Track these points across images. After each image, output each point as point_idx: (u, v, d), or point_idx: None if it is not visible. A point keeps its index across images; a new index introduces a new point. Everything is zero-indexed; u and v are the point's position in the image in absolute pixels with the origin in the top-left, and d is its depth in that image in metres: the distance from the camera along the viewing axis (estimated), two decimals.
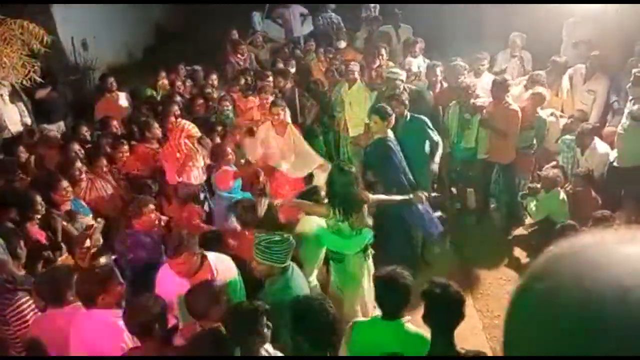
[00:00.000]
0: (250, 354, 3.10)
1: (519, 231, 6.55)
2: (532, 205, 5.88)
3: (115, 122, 6.84)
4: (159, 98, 8.06)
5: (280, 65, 8.67)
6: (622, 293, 0.55)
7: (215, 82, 8.36)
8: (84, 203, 5.25)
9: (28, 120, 7.46)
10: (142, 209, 4.61)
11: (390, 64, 8.01)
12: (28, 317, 3.78)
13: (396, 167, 5.49)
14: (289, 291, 3.66)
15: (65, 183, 5.00)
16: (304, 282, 3.96)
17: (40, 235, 4.64)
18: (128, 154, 6.04)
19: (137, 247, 4.55)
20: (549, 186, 5.74)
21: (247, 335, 3.08)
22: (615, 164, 5.92)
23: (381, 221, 5.08)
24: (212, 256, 3.96)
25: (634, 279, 0.56)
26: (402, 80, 6.74)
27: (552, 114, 6.68)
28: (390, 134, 5.57)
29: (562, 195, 5.72)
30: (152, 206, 4.72)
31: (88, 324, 3.37)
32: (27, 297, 3.84)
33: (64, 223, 4.81)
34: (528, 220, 6.45)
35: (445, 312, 2.84)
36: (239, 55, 9.51)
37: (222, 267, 3.94)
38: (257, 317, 3.09)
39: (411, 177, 5.58)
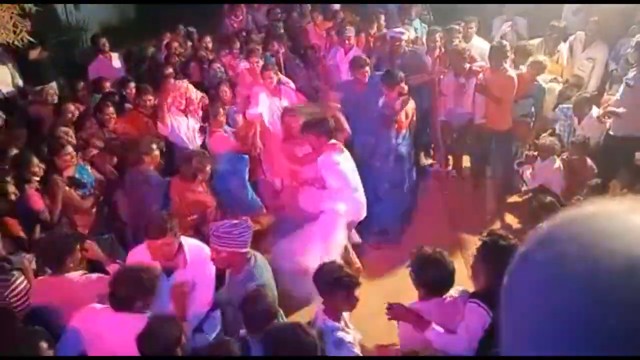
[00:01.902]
0: None
1: (513, 198, 6.59)
2: (528, 173, 5.90)
3: (108, 83, 6.77)
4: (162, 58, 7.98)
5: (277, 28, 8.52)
6: (632, 263, 0.54)
7: (210, 45, 8.23)
8: (88, 169, 5.19)
9: (19, 82, 7.35)
10: (150, 146, 5.09)
11: (385, 30, 7.94)
12: (25, 293, 3.73)
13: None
14: (252, 282, 3.49)
15: (69, 148, 4.93)
16: (269, 273, 3.71)
17: (38, 201, 4.62)
18: (115, 115, 5.95)
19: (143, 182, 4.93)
20: (546, 154, 5.74)
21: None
22: (611, 132, 5.91)
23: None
24: (188, 243, 3.77)
25: None
26: (405, 41, 6.72)
27: (554, 79, 6.63)
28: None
29: (558, 163, 5.73)
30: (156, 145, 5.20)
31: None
32: (22, 277, 3.78)
33: (66, 188, 4.79)
34: (523, 188, 6.46)
35: (499, 259, 2.89)
36: (233, 17, 9.34)
37: (194, 256, 3.72)
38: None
39: None
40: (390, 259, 5.25)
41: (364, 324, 3.69)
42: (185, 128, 6.02)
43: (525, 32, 7.95)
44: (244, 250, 3.51)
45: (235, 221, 3.53)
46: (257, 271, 3.57)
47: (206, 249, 3.75)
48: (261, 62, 6.88)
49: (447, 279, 3.18)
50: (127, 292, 3.09)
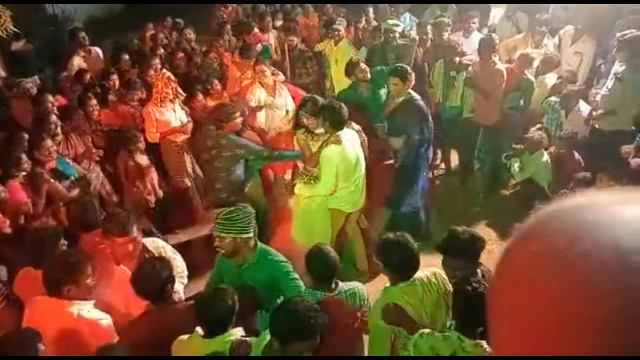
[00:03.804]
0: None
1: (501, 192, 6.61)
2: (516, 167, 5.92)
3: (88, 76, 6.71)
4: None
5: (280, 21, 8.46)
6: (620, 257, 0.53)
7: (192, 36, 8.14)
8: (69, 161, 5.14)
9: (3, 73, 7.25)
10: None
11: (374, 23, 7.93)
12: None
13: (426, 132, 5.38)
14: (263, 268, 3.56)
15: (49, 142, 4.90)
16: (279, 259, 3.70)
17: (22, 195, 4.57)
18: (98, 107, 5.90)
19: None
20: (533, 148, 5.76)
21: None
22: (597, 126, 5.94)
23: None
24: (148, 241, 3.78)
25: (634, 242, 0.53)
26: (399, 33, 6.69)
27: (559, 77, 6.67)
28: (414, 93, 5.42)
29: (545, 157, 5.75)
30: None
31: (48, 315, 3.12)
32: None
33: (51, 180, 4.74)
34: (511, 182, 6.49)
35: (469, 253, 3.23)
36: (223, 8, 9.29)
37: (158, 251, 3.78)
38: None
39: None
40: None
41: None
42: (173, 121, 5.95)
43: (525, 27, 7.96)
44: (246, 235, 3.51)
45: (233, 207, 3.54)
46: (268, 248, 3.68)
47: (164, 243, 3.88)
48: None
49: (412, 260, 3.23)
50: (54, 274, 3.10)
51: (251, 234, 3.54)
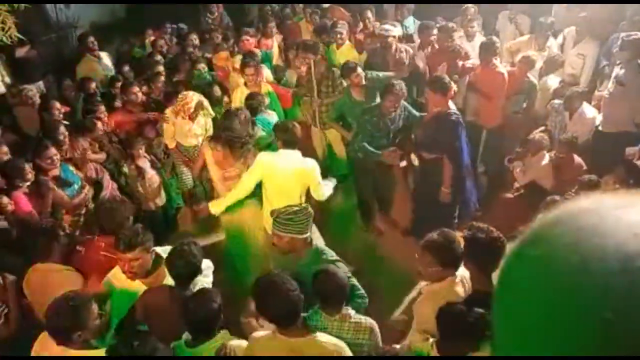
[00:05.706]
0: None
1: (505, 195, 6.58)
2: (518, 170, 5.91)
3: (93, 84, 6.71)
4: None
5: (273, 23, 8.45)
6: (624, 261, 0.53)
7: (196, 42, 8.18)
8: (72, 169, 5.15)
9: (8, 80, 7.26)
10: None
11: (378, 24, 7.93)
12: None
13: (462, 147, 5.21)
14: (324, 254, 3.64)
15: (53, 150, 4.90)
16: (335, 259, 3.67)
17: (27, 204, 4.59)
18: (106, 113, 5.96)
19: None
20: (535, 149, 5.75)
21: None
22: (600, 128, 5.93)
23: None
24: (160, 250, 3.65)
25: (636, 246, 0.53)
26: (394, 37, 6.64)
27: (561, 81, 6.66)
28: (453, 106, 5.26)
29: (547, 159, 5.74)
30: None
31: None
32: None
33: (55, 188, 4.76)
34: (515, 184, 6.46)
35: (486, 254, 2.99)
36: (208, 14, 9.34)
37: None
38: None
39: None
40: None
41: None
42: (186, 130, 5.92)
43: (527, 30, 7.96)
44: (303, 235, 3.61)
45: (296, 208, 3.64)
46: (324, 246, 3.78)
47: None
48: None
49: (457, 255, 3.21)
50: (61, 324, 2.83)
51: (308, 234, 3.65)
